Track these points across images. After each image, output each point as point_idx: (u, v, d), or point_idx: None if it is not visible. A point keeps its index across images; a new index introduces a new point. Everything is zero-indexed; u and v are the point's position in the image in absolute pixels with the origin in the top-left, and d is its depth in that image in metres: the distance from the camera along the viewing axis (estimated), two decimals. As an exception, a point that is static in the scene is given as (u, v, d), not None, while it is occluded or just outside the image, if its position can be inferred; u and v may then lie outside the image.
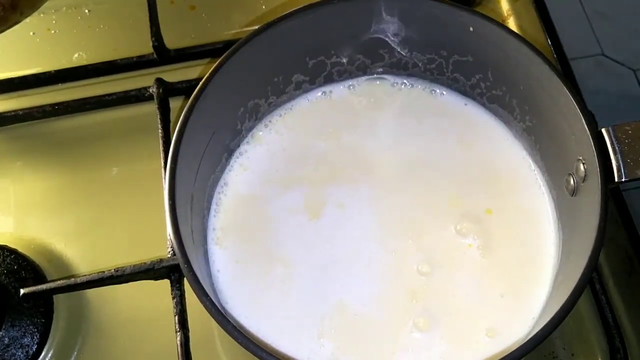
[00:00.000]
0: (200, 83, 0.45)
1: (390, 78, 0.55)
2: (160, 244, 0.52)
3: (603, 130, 0.44)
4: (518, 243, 0.49)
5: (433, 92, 0.55)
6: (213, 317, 0.39)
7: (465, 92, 0.54)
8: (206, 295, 0.39)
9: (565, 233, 0.48)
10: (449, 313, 0.47)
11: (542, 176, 0.51)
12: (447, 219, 0.50)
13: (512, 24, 0.65)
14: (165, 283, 0.50)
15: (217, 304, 0.40)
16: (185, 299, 0.50)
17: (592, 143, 0.43)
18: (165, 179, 0.43)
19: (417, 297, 0.47)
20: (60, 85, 0.62)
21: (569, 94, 0.45)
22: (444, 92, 0.55)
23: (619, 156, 0.43)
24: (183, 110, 0.45)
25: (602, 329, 0.51)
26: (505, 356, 0.38)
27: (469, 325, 0.46)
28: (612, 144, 0.43)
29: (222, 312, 0.40)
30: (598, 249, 0.40)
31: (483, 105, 0.54)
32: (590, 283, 0.51)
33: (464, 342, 0.46)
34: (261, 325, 0.46)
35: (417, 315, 0.46)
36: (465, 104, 0.54)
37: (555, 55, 0.62)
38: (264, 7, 0.67)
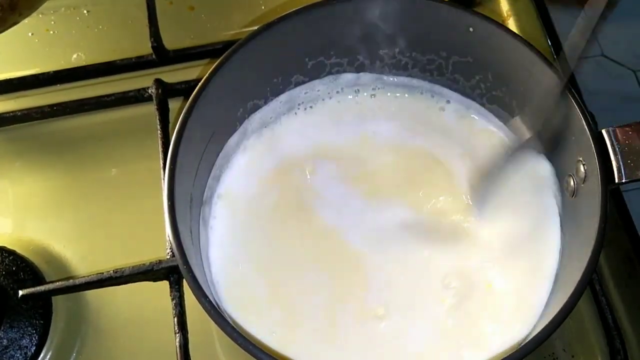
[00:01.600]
0: (199, 84, 0.45)
1: (390, 78, 0.55)
2: (159, 245, 0.51)
3: (603, 131, 0.43)
4: (519, 244, 0.49)
5: (433, 93, 0.55)
6: (212, 319, 0.39)
7: (465, 92, 0.54)
8: (205, 296, 0.39)
9: (565, 234, 0.48)
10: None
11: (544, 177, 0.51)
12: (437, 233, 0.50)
13: (512, 24, 0.65)
14: (165, 284, 0.50)
15: (215, 305, 0.40)
16: (184, 300, 0.49)
17: (592, 144, 0.43)
18: (164, 180, 0.43)
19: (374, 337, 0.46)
20: (58, 86, 0.62)
21: (568, 95, 0.44)
22: (445, 93, 0.55)
23: (619, 157, 0.43)
24: (182, 111, 0.44)
25: (603, 330, 0.51)
26: (506, 357, 0.38)
27: None
28: (612, 145, 0.43)
29: (221, 313, 0.40)
30: (598, 250, 0.40)
31: (483, 105, 0.54)
32: (590, 284, 0.51)
33: None
34: (260, 327, 0.45)
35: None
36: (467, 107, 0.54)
37: (555, 56, 0.62)
38: (263, 7, 0.67)
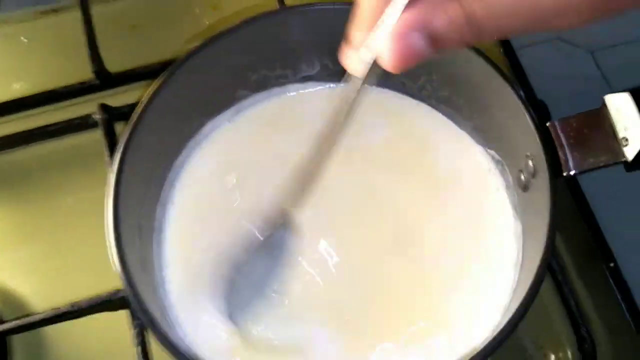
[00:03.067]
0: (137, 109, 0.44)
1: (337, 85, 0.55)
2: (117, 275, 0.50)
3: (548, 125, 0.43)
4: (478, 243, 0.49)
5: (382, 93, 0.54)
6: (165, 348, 0.38)
7: (414, 94, 0.54)
8: (155, 325, 0.38)
9: (523, 230, 0.48)
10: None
11: (496, 173, 0.51)
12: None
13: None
14: (126, 313, 0.49)
15: (169, 334, 0.39)
16: (146, 329, 0.48)
17: (538, 138, 0.43)
18: (106, 213, 0.42)
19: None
20: (1, 119, 0.60)
21: (511, 91, 0.44)
22: (392, 95, 0.54)
23: (566, 149, 0.43)
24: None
25: (568, 319, 0.51)
26: (475, 355, 0.38)
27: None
28: (557, 138, 0.43)
29: (175, 342, 0.39)
30: (550, 245, 0.40)
31: (432, 106, 0.53)
32: (552, 274, 0.51)
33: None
34: (220, 351, 0.45)
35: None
36: (417, 104, 0.54)
37: (501, 49, 0.62)
38: (207, 22, 0.66)
